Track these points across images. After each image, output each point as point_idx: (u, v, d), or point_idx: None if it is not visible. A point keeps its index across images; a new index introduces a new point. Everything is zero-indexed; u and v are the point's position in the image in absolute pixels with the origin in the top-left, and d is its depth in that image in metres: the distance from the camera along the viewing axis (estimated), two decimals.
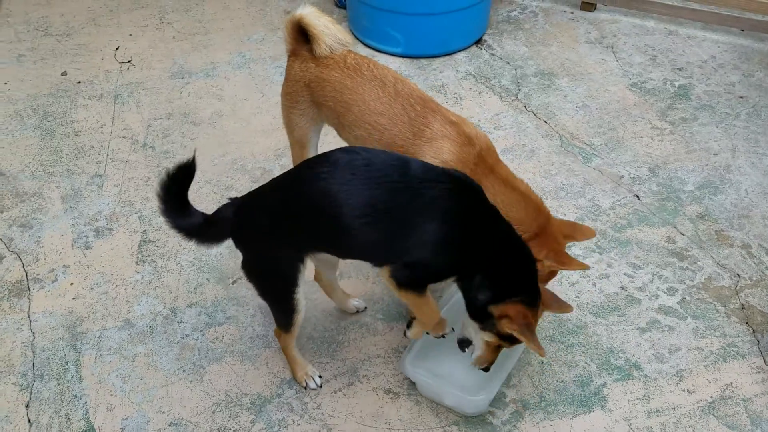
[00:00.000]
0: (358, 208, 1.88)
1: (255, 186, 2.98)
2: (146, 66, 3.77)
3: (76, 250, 2.83)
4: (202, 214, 2.16)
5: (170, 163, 3.19)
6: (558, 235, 2.24)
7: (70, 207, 3.00)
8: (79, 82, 3.66)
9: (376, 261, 2.01)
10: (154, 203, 3.02)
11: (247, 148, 3.29)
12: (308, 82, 2.43)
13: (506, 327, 1.97)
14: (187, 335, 2.53)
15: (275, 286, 2.14)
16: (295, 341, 2.31)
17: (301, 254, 2.07)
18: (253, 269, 2.15)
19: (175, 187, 2.08)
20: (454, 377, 2.29)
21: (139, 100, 3.55)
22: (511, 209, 2.20)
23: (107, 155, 3.25)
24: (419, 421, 2.28)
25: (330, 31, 2.38)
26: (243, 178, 3.12)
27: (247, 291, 2.67)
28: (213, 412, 2.30)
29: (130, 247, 2.83)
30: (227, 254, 2.81)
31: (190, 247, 2.84)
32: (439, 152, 2.22)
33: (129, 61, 3.80)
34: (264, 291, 2.17)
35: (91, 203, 3.02)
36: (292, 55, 2.51)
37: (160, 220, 2.93)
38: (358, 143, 2.36)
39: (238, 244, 2.16)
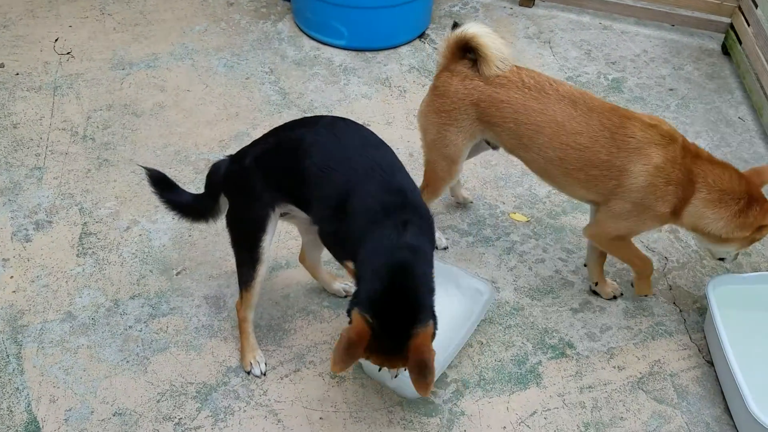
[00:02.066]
0: (316, 158, 2.06)
1: (199, 177, 3.02)
2: (86, 57, 3.71)
3: (16, 243, 2.78)
4: (190, 194, 2.44)
5: (111, 155, 3.19)
6: (762, 192, 2.33)
7: (9, 200, 2.95)
8: (17, 74, 3.58)
9: (315, 218, 2.15)
10: (94, 195, 2.99)
11: (190, 139, 3.28)
12: (476, 101, 2.39)
13: (343, 329, 1.91)
14: (130, 327, 2.53)
15: (246, 231, 2.22)
16: (251, 315, 2.34)
17: (274, 201, 2.18)
18: (232, 216, 2.27)
19: (161, 189, 2.40)
20: None
21: (79, 92, 3.49)
22: (722, 183, 2.28)
23: (47, 147, 3.20)
24: (364, 402, 2.34)
25: (501, 53, 2.34)
26: (186, 170, 3.11)
27: (192, 282, 2.68)
28: (158, 402, 2.31)
29: (71, 239, 2.80)
30: (171, 246, 2.81)
31: (132, 238, 2.83)
32: (650, 159, 2.26)
33: (69, 53, 3.73)
34: (235, 237, 2.28)
35: (31, 196, 2.97)
36: (446, 70, 2.45)
37: (101, 213, 2.92)
38: (550, 165, 2.37)
39: (227, 192, 2.30)
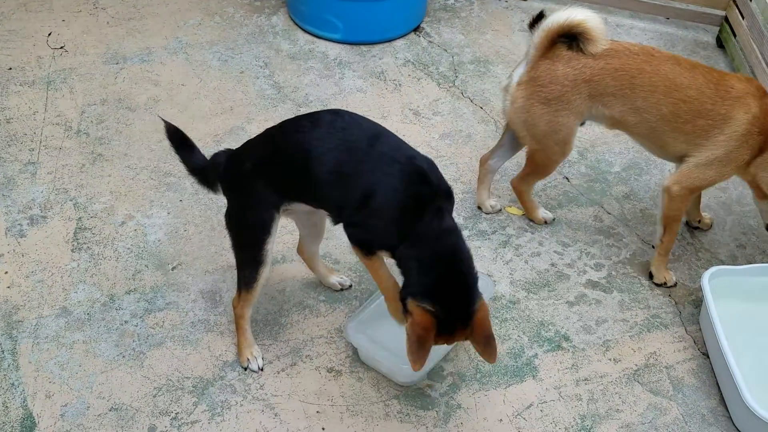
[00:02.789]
0: (326, 165, 2.04)
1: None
2: (80, 52, 3.68)
3: (10, 238, 2.77)
4: (205, 158, 2.40)
5: (105, 150, 3.17)
6: None
7: (3, 195, 2.93)
8: (10, 69, 3.56)
9: (334, 215, 2.13)
10: (89, 190, 2.98)
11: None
12: (588, 78, 2.51)
13: (407, 326, 1.96)
14: (126, 321, 2.52)
15: (249, 233, 2.21)
16: (249, 312, 2.34)
17: (278, 203, 2.17)
18: (233, 217, 2.26)
19: (178, 144, 2.39)
20: (392, 346, 2.33)
21: (73, 87, 3.47)
22: None
23: (40, 142, 3.18)
24: (361, 396, 2.35)
25: (605, 31, 2.51)
26: (181, 165, 3.09)
27: (187, 277, 2.68)
28: (154, 396, 2.31)
29: (66, 234, 2.79)
30: (166, 240, 2.80)
31: (127, 233, 2.82)
32: (750, 108, 2.46)
33: (62, 47, 3.71)
34: (237, 239, 2.26)
35: (25, 191, 2.95)
36: (545, 59, 2.55)
37: (96, 207, 2.91)
38: (661, 122, 2.53)
39: (225, 191, 2.28)
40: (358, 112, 2.20)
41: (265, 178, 2.14)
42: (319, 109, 2.48)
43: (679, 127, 2.53)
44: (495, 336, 2.02)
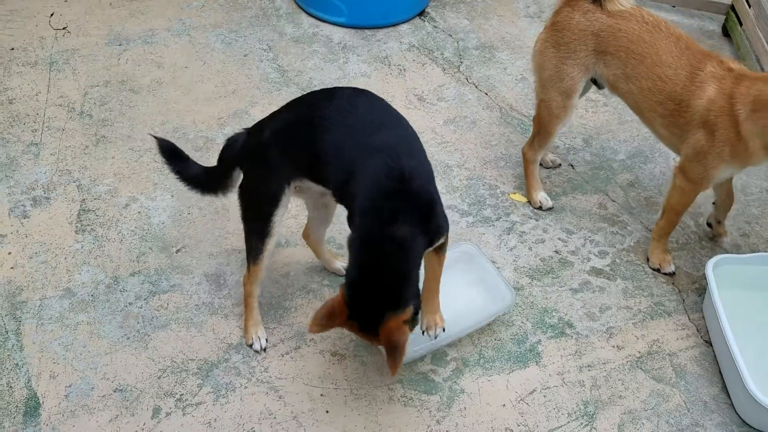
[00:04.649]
0: (332, 135, 2.05)
1: (198, 155, 2.99)
2: (82, 33, 3.66)
3: (14, 219, 2.76)
4: (201, 167, 2.44)
5: (108, 132, 3.16)
6: None
7: (6, 176, 2.92)
8: (12, 49, 3.53)
9: (335, 195, 2.15)
10: (92, 172, 2.97)
11: (188, 116, 3.26)
12: (597, 31, 2.59)
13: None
14: (130, 303, 2.52)
15: (259, 204, 2.22)
16: (258, 290, 2.35)
17: (290, 177, 2.17)
18: (245, 188, 2.26)
19: (171, 159, 2.41)
20: None
21: (76, 68, 3.45)
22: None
23: (43, 123, 3.16)
24: (364, 380, 2.35)
25: None
26: (185, 147, 3.01)
27: (192, 259, 2.68)
28: (159, 378, 2.31)
29: (69, 216, 2.79)
30: (170, 223, 2.80)
31: (131, 215, 2.81)
32: (705, 92, 2.40)
33: (64, 28, 3.68)
34: (247, 210, 2.27)
35: (28, 172, 2.94)
36: (567, 6, 2.66)
37: (99, 189, 2.90)
38: (641, 97, 2.56)
39: (243, 165, 2.28)
40: None
41: (280, 148, 2.15)
42: None
43: (654, 107, 2.54)
44: (403, 351, 1.97)
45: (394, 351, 1.95)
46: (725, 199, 2.79)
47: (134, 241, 2.73)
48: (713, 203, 2.86)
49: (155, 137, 2.42)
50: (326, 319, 2.00)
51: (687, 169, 2.53)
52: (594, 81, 2.76)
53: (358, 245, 1.99)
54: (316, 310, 2.02)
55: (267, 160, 2.17)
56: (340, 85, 3.46)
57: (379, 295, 1.96)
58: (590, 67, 2.66)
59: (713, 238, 2.89)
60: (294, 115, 2.19)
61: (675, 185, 2.60)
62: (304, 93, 3.37)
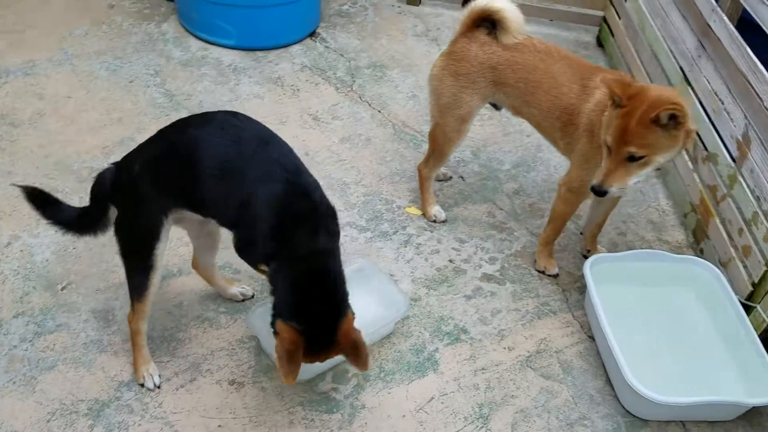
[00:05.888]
0: (212, 160, 2.01)
1: (82, 186, 2.91)
2: None
3: None
4: (73, 208, 2.31)
5: None
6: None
7: None
8: None
9: (221, 221, 2.12)
10: None
11: (72, 147, 3.16)
12: (494, 65, 2.67)
13: (276, 344, 1.97)
14: (15, 346, 2.42)
15: (137, 238, 2.16)
16: (145, 327, 2.29)
17: (167, 207, 2.13)
18: (121, 224, 2.19)
19: (41, 206, 2.28)
20: None
21: None
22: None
23: None
24: (264, 406, 2.34)
25: (521, 25, 2.65)
26: (69, 179, 3.00)
27: (78, 296, 2.59)
28: (48, 422, 2.23)
29: None
30: (54, 260, 2.70)
31: (13, 254, 2.70)
32: (594, 96, 2.52)
33: None
34: (126, 247, 2.19)
35: None
36: (464, 37, 2.71)
37: None
38: (543, 117, 2.67)
39: (116, 202, 2.20)
40: (256, 118, 2.19)
41: (152, 178, 2.09)
42: None
43: (554, 122, 2.67)
44: (365, 343, 2.02)
45: (357, 348, 2.00)
46: (593, 228, 2.91)
47: (17, 281, 2.62)
48: (581, 233, 3.01)
49: (19, 186, 2.27)
50: (291, 362, 1.93)
51: (572, 179, 2.68)
52: (493, 104, 2.89)
53: (289, 270, 1.97)
54: (277, 365, 1.94)
55: (140, 195, 2.11)
56: (230, 108, 3.46)
57: (329, 308, 1.99)
58: (489, 96, 2.76)
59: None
60: (165, 144, 2.14)
61: (560, 195, 2.74)
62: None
